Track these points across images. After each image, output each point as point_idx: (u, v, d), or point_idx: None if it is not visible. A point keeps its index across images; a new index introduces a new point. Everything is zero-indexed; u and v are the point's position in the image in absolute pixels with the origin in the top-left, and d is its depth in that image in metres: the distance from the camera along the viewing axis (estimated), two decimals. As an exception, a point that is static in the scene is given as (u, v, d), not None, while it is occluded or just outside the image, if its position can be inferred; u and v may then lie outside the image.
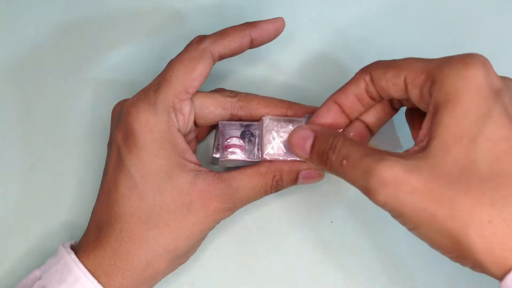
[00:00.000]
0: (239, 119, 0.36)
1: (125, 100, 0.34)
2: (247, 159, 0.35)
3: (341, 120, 0.33)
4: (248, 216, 0.38)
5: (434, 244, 0.27)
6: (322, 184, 0.39)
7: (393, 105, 0.33)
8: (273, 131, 0.35)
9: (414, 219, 0.26)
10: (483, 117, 0.25)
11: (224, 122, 0.35)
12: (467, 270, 0.27)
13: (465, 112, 0.26)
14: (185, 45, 0.34)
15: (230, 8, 0.44)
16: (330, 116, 0.33)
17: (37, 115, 0.41)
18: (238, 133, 0.36)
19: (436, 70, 0.27)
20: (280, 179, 0.34)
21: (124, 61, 0.43)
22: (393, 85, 0.29)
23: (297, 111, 0.36)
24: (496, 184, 0.25)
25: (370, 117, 0.33)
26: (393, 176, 0.26)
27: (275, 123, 0.35)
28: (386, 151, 0.28)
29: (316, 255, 0.38)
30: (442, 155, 0.26)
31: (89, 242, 0.32)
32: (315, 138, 0.31)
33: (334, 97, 0.33)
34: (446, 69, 0.27)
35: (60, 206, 0.39)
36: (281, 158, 0.35)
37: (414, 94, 0.29)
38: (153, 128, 0.32)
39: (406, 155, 0.27)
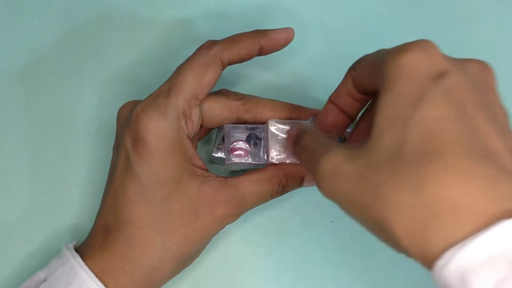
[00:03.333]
0: (244, 122, 0.36)
1: (132, 103, 0.34)
2: (253, 162, 0.35)
3: (341, 119, 0.33)
4: (248, 216, 0.38)
5: (371, 232, 0.26)
6: (323, 184, 0.39)
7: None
8: (278, 134, 0.35)
9: (347, 208, 0.26)
10: (416, 100, 0.24)
11: (229, 125, 0.35)
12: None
13: (398, 96, 0.25)
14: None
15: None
16: (330, 117, 0.33)
17: (37, 115, 0.41)
18: (244, 136, 0.36)
19: (380, 60, 0.27)
20: (286, 184, 0.35)
21: (124, 62, 0.43)
22: (364, 78, 0.29)
23: (301, 114, 0.36)
24: (421, 164, 0.23)
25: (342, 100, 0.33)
26: (331, 166, 0.26)
27: (281, 126, 0.35)
28: (339, 143, 0.28)
29: (316, 255, 0.38)
30: (376, 142, 0.25)
31: (96, 246, 0.32)
32: (295, 136, 0.32)
33: (330, 98, 0.33)
34: (387, 58, 0.26)
35: (61, 207, 0.39)
36: (287, 161, 0.35)
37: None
38: (164, 136, 0.32)
39: (351, 146, 0.26)
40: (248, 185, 0.34)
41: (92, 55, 0.43)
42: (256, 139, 0.36)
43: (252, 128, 0.36)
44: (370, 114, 0.31)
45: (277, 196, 0.35)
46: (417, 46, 0.26)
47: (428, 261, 0.22)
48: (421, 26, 0.44)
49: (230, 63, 0.34)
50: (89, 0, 0.45)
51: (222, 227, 0.34)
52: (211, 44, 0.34)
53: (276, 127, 0.35)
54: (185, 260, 0.33)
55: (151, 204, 0.31)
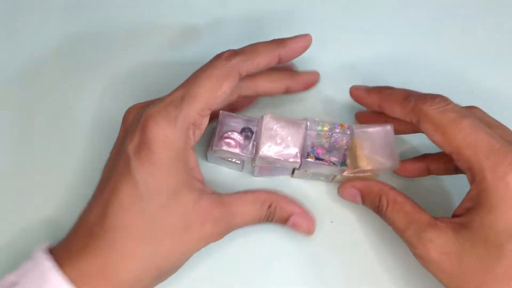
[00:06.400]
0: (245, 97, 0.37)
1: (140, 107, 0.34)
2: (241, 154, 0.35)
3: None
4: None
5: None
6: (323, 184, 0.39)
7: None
8: (271, 130, 0.35)
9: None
10: None
11: (225, 112, 0.35)
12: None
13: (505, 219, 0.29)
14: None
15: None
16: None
17: (37, 115, 0.41)
18: (239, 127, 0.35)
19: (481, 159, 0.29)
20: (273, 213, 0.35)
21: (124, 62, 0.43)
22: (439, 145, 0.32)
23: (298, 80, 0.38)
24: None
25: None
26: (439, 249, 0.30)
27: (275, 123, 0.35)
28: (425, 222, 0.31)
29: (316, 255, 0.38)
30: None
31: (75, 249, 0.30)
32: (362, 197, 0.36)
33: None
34: (489, 168, 0.29)
35: (58, 207, 0.39)
36: (275, 156, 0.34)
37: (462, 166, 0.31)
38: (170, 145, 0.31)
39: (454, 227, 0.30)
40: (242, 204, 0.33)
41: (92, 55, 0.43)
42: (249, 132, 0.35)
43: (248, 121, 0.35)
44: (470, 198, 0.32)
45: (260, 222, 0.35)
46: None
47: None
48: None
49: (248, 74, 0.34)
50: (89, 0, 0.45)
51: (206, 244, 0.33)
52: (231, 54, 0.33)
53: (270, 123, 0.35)
54: (165, 273, 0.32)
55: (144, 213, 0.30)
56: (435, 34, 0.46)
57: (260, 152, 0.34)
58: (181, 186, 0.31)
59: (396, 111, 0.34)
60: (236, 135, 0.35)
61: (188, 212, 0.31)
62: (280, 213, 0.35)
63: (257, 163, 0.36)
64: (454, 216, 0.32)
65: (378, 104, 0.35)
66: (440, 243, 0.30)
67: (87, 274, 0.29)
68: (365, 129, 0.36)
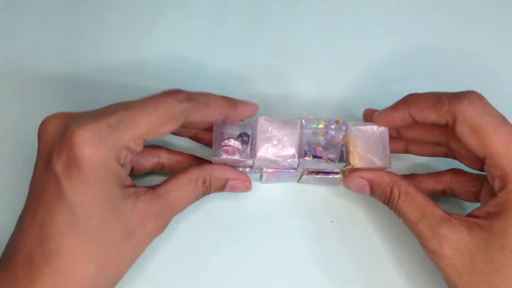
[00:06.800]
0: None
1: (63, 118, 0.32)
2: (240, 159, 0.35)
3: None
4: (247, 216, 0.38)
5: None
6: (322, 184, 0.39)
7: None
8: (267, 132, 0.35)
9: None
10: None
11: (219, 122, 0.35)
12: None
13: None
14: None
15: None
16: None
17: (37, 115, 0.41)
18: (236, 133, 0.35)
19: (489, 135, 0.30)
20: (209, 185, 0.34)
21: (124, 62, 0.43)
22: (473, 148, 0.32)
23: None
24: None
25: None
26: (444, 252, 0.31)
27: (270, 124, 0.35)
28: (438, 217, 0.31)
29: (316, 255, 0.38)
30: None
31: (17, 279, 0.29)
32: (371, 188, 0.35)
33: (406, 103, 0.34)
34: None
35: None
36: (273, 157, 0.35)
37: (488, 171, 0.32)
38: (101, 165, 0.29)
39: (469, 221, 0.31)
40: (176, 190, 0.33)
41: (92, 55, 0.43)
42: (245, 136, 0.35)
43: (242, 126, 0.36)
44: (486, 193, 0.33)
45: (201, 198, 0.35)
46: None
47: None
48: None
49: (191, 124, 0.33)
50: (89, 0, 0.45)
51: (152, 240, 0.32)
52: (184, 98, 0.32)
53: (265, 124, 0.35)
54: (117, 280, 0.32)
55: (84, 233, 0.29)
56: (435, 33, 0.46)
57: (258, 155, 0.34)
58: (116, 198, 0.30)
59: (429, 115, 0.32)
60: (233, 142, 0.35)
61: (128, 220, 0.30)
62: (216, 184, 0.35)
63: (256, 165, 0.36)
64: (471, 216, 0.32)
65: (409, 116, 0.34)
66: (454, 240, 0.30)
67: None
68: (360, 127, 0.36)
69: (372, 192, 0.35)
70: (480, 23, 0.46)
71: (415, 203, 0.33)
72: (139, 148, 0.31)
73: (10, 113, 0.41)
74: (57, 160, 0.29)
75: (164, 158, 0.37)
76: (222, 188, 0.35)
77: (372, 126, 0.36)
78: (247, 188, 0.36)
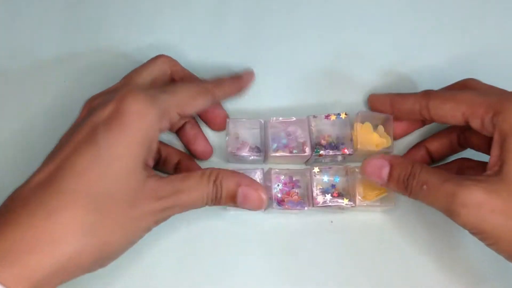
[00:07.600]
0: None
1: (106, 93, 0.35)
2: (254, 157, 0.38)
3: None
4: (247, 216, 0.38)
5: None
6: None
7: (460, 142, 0.38)
8: (279, 132, 0.38)
9: (494, 235, 0.30)
10: None
11: (232, 119, 0.39)
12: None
13: None
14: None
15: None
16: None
17: (37, 115, 0.41)
18: (248, 132, 0.39)
19: (497, 103, 0.32)
20: (220, 185, 0.33)
21: (123, 62, 0.43)
22: (451, 116, 0.34)
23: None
24: None
25: (434, 146, 0.39)
26: (474, 198, 0.30)
27: (279, 124, 0.38)
28: (463, 176, 0.32)
29: (316, 255, 0.38)
30: None
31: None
32: (392, 166, 0.34)
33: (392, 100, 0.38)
34: (507, 103, 0.32)
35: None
36: (285, 154, 0.37)
37: (476, 124, 0.34)
38: (144, 120, 0.31)
39: (482, 179, 0.31)
40: (187, 179, 0.33)
41: (91, 55, 0.43)
42: (258, 135, 0.39)
43: (253, 124, 0.38)
44: (496, 151, 0.33)
45: (211, 202, 0.34)
46: None
47: None
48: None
49: (219, 99, 0.39)
50: (89, 0, 0.45)
51: (149, 228, 0.32)
52: (204, 80, 0.38)
53: (276, 125, 0.38)
54: (106, 255, 0.31)
55: (99, 179, 0.30)
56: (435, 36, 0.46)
57: (271, 155, 0.37)
58: (138, 163, 0.31)
59: (408, 102, 0.37)
60: (247, 144, 0.38)
61: (137, 189, 0.31)
62: (227, 185, 0.33)
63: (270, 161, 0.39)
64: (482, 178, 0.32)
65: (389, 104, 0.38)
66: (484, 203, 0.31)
67: (10, 250, 0.27)
68: (366, 113, 0.39)
69: (392, 173, 0.34)
70: (480, 23, 0.46)
71: (438, 171, 0.33)
72: (176, 118, 0.34)
73: (10, 113, 0.42)
74: (101, 112, 0.31)
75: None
76: (233, 195, 0.34)
77: (378, 114, 0.39)
78: (260, 200, 0.34)
